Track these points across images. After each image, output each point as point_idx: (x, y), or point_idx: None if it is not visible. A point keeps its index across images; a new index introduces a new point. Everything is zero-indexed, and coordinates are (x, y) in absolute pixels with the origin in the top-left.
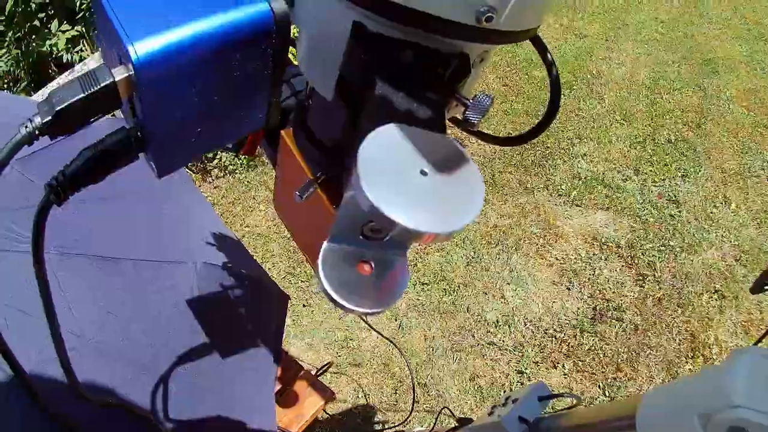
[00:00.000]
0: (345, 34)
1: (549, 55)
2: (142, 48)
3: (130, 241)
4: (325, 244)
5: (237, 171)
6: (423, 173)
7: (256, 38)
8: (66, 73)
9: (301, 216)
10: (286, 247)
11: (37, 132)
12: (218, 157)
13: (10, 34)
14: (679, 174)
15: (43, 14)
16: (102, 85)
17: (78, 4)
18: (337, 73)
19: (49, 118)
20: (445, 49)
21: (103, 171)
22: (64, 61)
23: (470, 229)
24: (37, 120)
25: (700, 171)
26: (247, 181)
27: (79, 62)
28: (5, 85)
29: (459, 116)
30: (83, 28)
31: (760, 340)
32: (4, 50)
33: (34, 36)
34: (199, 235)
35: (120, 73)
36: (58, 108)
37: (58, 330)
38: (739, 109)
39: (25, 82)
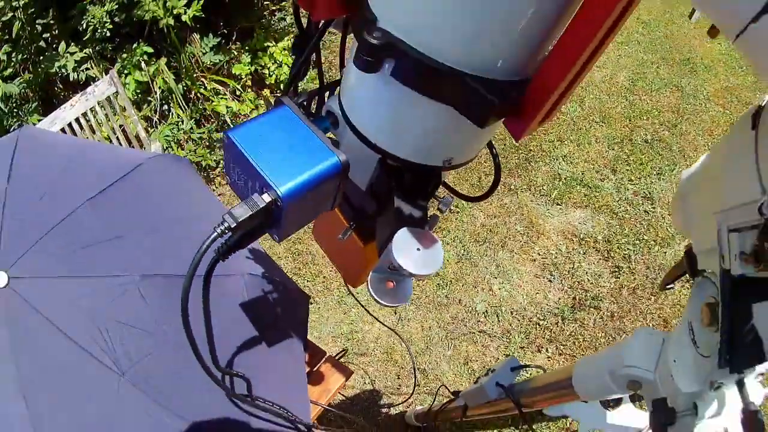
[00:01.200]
0: (374, 159)
1: (494, 149)
2: (283, 189)
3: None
4: (371, 273)
5: None
6: (417, 249)
7: (333, 177)
8: (78, 95)
9: (338, 245)
10: (291, 250)
11: (227, 232)
12: (220, 165)
13: (19, 57)
14: (654, 172)
15: (48, 35)
16: (260, 208)
17: (84, 26)
18: (368, 179)
19: (234, 224)
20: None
21: (247, 241)
22: (71, 79)
23: (460, 228)
24: (225, 225)
25: (674, 169)
26: None
27: (84, 81)
28: (14, 106)
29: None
30: (90, 50)
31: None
32: (10, 70)
33: (41, 57)
34: (243, 250)
35: (266, 199)
36: (240, 219)
37: (211, 337)
38: (715, 107)
39: (36, 103)
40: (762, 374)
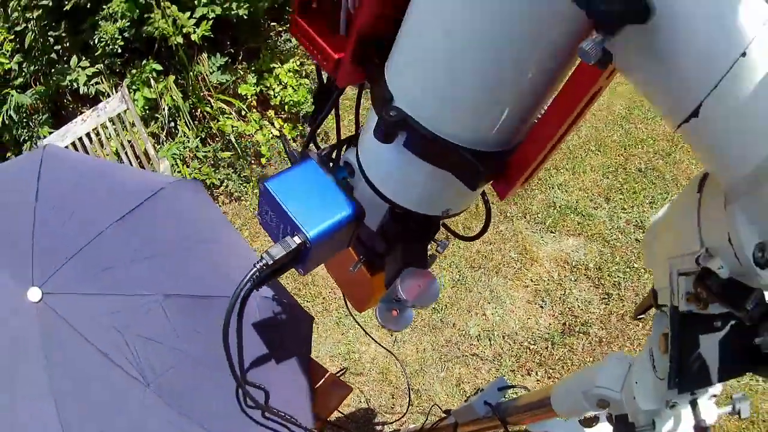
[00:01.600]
0: (384, 207)
1: (485, 197)
2: (312, 233)
3: (208, 281)
4: (379, 303)
5: (242, 198)
6: (419, 286)
7: (351, 223)
8: (90, 111)
9: (347, 275)
10: (292, 271)
11: (264, 268)
12: (224, 184)
13: (31, 68)
14: (647, 201)
15: (59, 46)
16: (292, 248)
17: (96, 41)
18: (378, 222)
19: (272, 261)
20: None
21: (278, 274)
22: (81, 92)
23: (456, 254)
24: (263, 261)
25: (666, 198)
26: (253, 208)
27: (93, 95)
28: (24, 116)
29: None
30: (101, 66)
31: None
32: (21, 80)
33: (53, 69)
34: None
35: (296, 241)
36: (276, 258)
37: (241, 354)
38: None
39: (46, 115)
40: (715, 395)
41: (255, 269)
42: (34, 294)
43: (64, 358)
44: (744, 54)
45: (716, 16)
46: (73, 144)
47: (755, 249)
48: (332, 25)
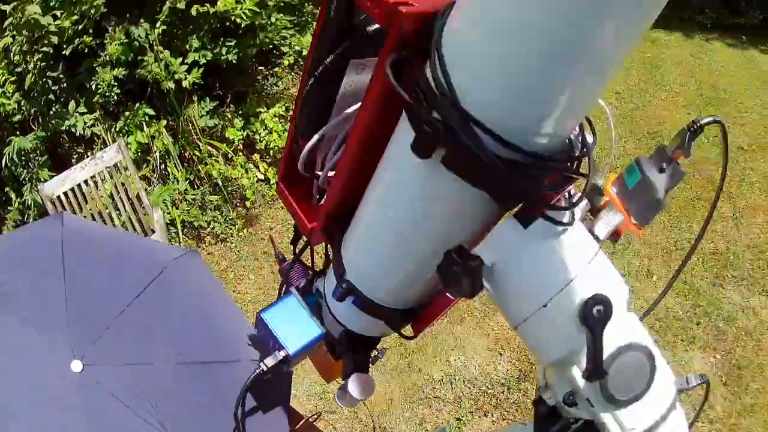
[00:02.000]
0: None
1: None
2: (292, 351)
3: (209, 348)
4: (337, 390)
5: (228, 240)
6: (361, 385)
7: (319, 341)
8: (88, 159)
9: (320, 359)
10: None
11: (266, 370)
12: (211, 226)
13: (31, 109)
14: (610, 251)
15: (57, 87)
16: (279, 359)
17: (94, 86)
18: (337, 334)
19: (267, 368)
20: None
21: (269, 373)
22: (77, 134)
23: None
24: (261, 368)
25: (628, 248)
26: (238, 251)
27: (89, 137)
28: (23, 155)
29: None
30: (98, 113)
31: None
32: (19, 116)
33: (51, 112)
34: (243, 336)
35: (282, 354)
36: (269, 366)
37: (244, 418)
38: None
39: (45, 156)
40: None
41: (255, 373)
42: (77, 365)
43: (104, 419)
44: (545, 305)
45: (526, 285)
46: (72, 189)
47: (566, 394)
48: (311, 191)
